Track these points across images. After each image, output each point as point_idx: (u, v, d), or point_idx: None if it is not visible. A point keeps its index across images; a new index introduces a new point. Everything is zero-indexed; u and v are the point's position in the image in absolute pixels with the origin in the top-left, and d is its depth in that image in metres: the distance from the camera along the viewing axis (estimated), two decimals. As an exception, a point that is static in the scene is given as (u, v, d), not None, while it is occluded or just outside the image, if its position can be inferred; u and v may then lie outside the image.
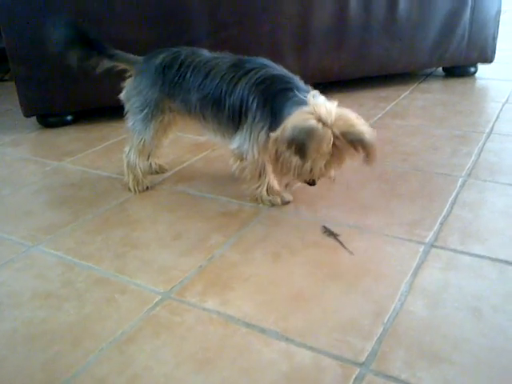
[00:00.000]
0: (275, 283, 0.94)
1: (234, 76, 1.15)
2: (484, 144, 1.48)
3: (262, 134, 1.12)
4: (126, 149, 1.32)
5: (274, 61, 1.89)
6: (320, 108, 1.01)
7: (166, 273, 0.98)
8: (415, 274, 0.93)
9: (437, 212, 1.14)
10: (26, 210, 1.27)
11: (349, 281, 0.93)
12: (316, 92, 1.08)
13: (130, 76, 1.29)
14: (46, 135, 1.82)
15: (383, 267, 0.96)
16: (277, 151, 1.04)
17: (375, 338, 0.79)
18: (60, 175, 1.47)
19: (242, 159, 1.18)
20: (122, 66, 1.31)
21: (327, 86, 2.08)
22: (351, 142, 1.00)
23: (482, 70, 2.19)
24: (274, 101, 1.10)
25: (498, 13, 2.03)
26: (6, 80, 2.65)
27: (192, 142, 1.65)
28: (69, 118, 1.92)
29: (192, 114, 1.24)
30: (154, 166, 1.42)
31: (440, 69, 2.24)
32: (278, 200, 1.22)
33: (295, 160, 1.02)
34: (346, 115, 1.03)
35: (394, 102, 1.91)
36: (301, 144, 0.98)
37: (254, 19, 1.84)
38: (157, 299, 0.91)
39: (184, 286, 0.94)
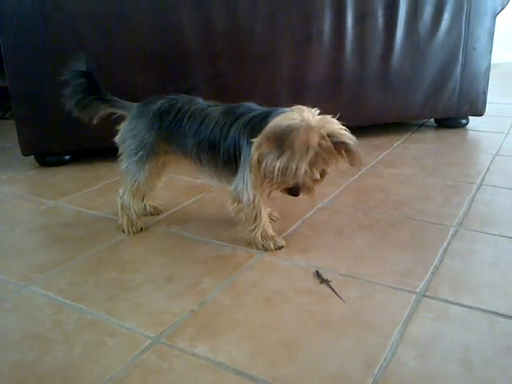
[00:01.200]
0: (266, 330, 0.93)
1: (226, 122, 1.19)
2: (475, 195, 1.51)
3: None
4: (121, 191, 1.34)
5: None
6: (303, 112, 1.04)
7: (157, 316, 0.98)
8: (406, 323, 0.94)
9: (428, 261, 1.15)
10: (19, 249, 1.27)
11: (340, 329, 0.93)
12: (303, 108, 1.08)
13: (124, 120, 1.32)
14: (43, 174, 1.84)
15: (374, 316, 0.96)
16: (259, 157, 1.04)
17: (365, 389, 0.78)
18: (55, 214, 1.48)
19: (239, 201, 1.20)
20: (118, 112, 1.34)
21: (322, 134, 2.13)
22: (335, 143, 1.02)
23: (474, 121, 2.24)
24: (259, 131, 1.09)
25: (488, 68, 2.11)
26: (6, 118, 2.69)
27: (186, 184, 1.67)
28: (66, 157, 1.94)
29: (188, 158, 1.27)
30: (148, 207, 1.44)
31: (432, 120, 2.30)
32: (271, 245, 1.23)
33: (279, 162, 1.01)
34: (329, 119, 1.06)
35: (387, 151, 1.95)
36: (284, 136, 0.99)
37: (251, 68, 1.90)
38: (146, 343, 0.90)
39: (174, 331, 0.93)
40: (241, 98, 1.95)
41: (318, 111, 1.07)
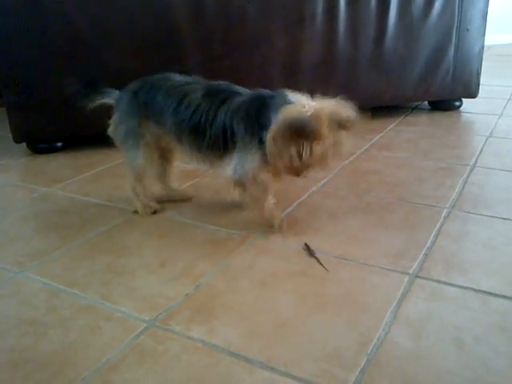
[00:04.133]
0: (261, 312, 0.94)
1: (211, 106, 1.19)
2: (468, 177, 1.51)
3: (258, 153, 1.15)
4: (128, 177, 1.35)
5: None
6: (304, 101, 1.10)
7: (152, 300, 0.98)
8: (399, 304, 0.94)
9: (421, 243, 1.15)
10: (12, 236, 1.27)
11: (334, 310, 0.93)
12: (291, 92, 1.14)
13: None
14: (35, 161, 1.83)
15: (368, 297, 0.97)
16: (277, 148, 1.09)
17: (359, 369, 0.79)
18: (48, 201, 1.47)
19: (242, 184, 1.20)
20: (108, 102, 1.35)
21: (316, 117, 2.13)
22: (340, 121, 1.09)
23: (467, 104, 2.24)
24: (259, 117, 1.14)
25: (481, 49, 2.10)
26: (-3, 105, 2.66)
27: (181, 170, 1.66)
28: (58, 144, 1.93)
29: (168, 136, 1.29)
30: (173, 193, 1.45)
31: (426, 102, 2.30)
32: (278, 222, 1.24)
33: (295, 149, 1.08)
34: (329, 102, 1.11)
35: (381, 134, 1.95)
36: (300, 129, 1.05)
37: (245, 52, 1.88)
38: (142, 327, 0.91)
39: (169, 314, 0.94)
40: (234, 81, 1.94)
41: (316, 98, 1.11)
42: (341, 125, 1.10)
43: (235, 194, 1.23)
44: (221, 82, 1.26)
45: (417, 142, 1.85)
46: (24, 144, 1.90)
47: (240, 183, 1.20)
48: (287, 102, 1.11)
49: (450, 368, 0.79)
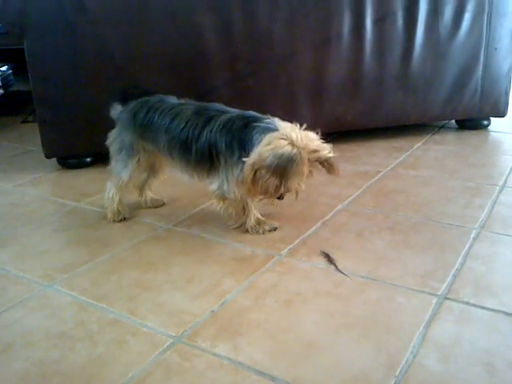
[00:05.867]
0: (286, 331, 0.94)
1: (197, 123, 1.27)
2: (497, 197, 1.49)
3: (238, 171, 1.22)
4: (108, 185, 1.45)
5: (288, 110, 1.97)
6: (290, 133, 1.15)
7: (178, 316, 0.99)
8: (428, 326, 0.93)
9: (449, 264, 1.14)
10: (42, 249, 1.29)
11: (361, 331, 0.92)
12: (276, 119, 1.21)
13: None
14: (65, 176, 1.87)
15: (395, 318, 0.96)
16: (255, 174, 1.15)
17: (387, 391, 0.78)
18: (77, 216, 1.50)
19: (224, 199, 1.28)
20: (113, 116, 1.46)
21: (341, 136, 2.12)
22: (320, 160, 1.18)
23: (495, 122, 2.22)
24: (240, 136, 1.21)
25: (510, 69, 2.08)
26: (29, 122, 2.74)
27: (206, 187, 1.67)
28: (88, 159, 1.96)
29: (162, 153, 1.38)
30: (148, 201, 1.54)
31: (453, 121, 2.27)
32: (266, 227, 1.33)
33: (273, 183, 1.14)
34: (311, 137, 1.19)
35: (408, 153, 1.93)
36: (283, 169, 1.12)
37: (270, 71, 1.90)
38: (168, 343, 0.91)
39: (195, 331, 0.94)
40: (260, 100, 1.97)
41: (299, 126, 1.19)
42: (322, 164, 1.20)
43: (219, 208, 1.31)
44: (213, 103, 1.33)
45: (444, 161, 1.84)
46: (54, 159, 1.95)
47: (222, 198, 1.28)
48: (272, 129, 1.17)
49: (481, 393, 0.77)
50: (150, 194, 1.54)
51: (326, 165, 1.20)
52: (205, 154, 1.26)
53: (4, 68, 3.18)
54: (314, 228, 1.35)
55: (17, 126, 2.73)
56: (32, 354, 0.90)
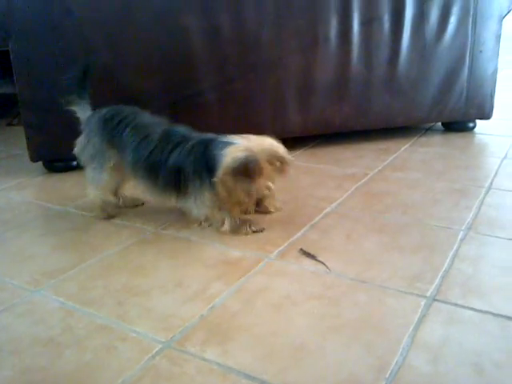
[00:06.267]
0: (276, 334, 0.93)
1: (164, 148, 1.31)
2: (484, 198, 1.50)
3: (209, 194, 1.28)
4: (88, 188, 1.47)
5: (276, 113, 1.97)
6: (244, 141, 1.24)
7: (167, 321, 0.98)
8: (417, 327, 0.93)
9: (438, 265, 1.14)
10: (29, 254, 1.28)
11: (350, 334, 0.93)
12: (232, 135, 1.28)
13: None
14: (51, 180, 1.85)
15: (385, 320, 0.96)
16: (226, 189, 1.23)
17: (377, 394, 0.78)
18: (64, 219, 1.49)
19: (201, 221, 1.36)
20: (78, 114, 1.46)
21: (328, 138, 2.13)
22: (276, 159, 1.25)
23: (481, 125, 2.24)
24: (203, 159, 1.27)
25: (495, 71, 2.10)
26: (14, 125, 2.71)
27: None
28: (74, 163, 1.94)
29: (125, 170, 1.40)
30: (126, 200, 1.54)
31: (439, 123, 2.29)
32: (253, 228, 1.34)
33: (242, 187, 1.23)
34: (266, 139, 1.26)
35: (395, 155, 1.95)
36: (243, 170, 1.20)
37: (258, 74, 1.90)
38: (157, 348, 0.90)
39: (185, 336, 0.94)
40: (248, 103, 1.97)
41: (254, 137, 1.26)
42: (278, 162, 1.26)
43: (201, 227, 1.37)
44: (180, 127, 1.36)
45: (431, 163, 1.85)
46: (40, 163, 1.93)
47: (199, 221, 1.36)
48: (229, 143, 1.24)
49: (470, 394, 0.77)
50: (126, 194, 1.54)
51: (280, 164, 1.27)
52: (171, 180, 1.31)
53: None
54: (302, 230, 1.35)
55: (1, 129, 2.70)
56: (19, 362, 0.88)
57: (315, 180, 1.72)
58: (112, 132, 1.36)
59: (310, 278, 1.12)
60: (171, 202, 1.37)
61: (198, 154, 1.28)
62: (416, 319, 0.96)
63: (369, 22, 1.92)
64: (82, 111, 1.44)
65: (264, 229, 1.35)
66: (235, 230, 1.33)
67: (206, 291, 1.08)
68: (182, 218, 1.45)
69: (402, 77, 2.01)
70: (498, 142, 2.07)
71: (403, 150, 2.00)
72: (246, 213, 1.35)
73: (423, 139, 2.15)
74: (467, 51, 2.03)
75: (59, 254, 1.28)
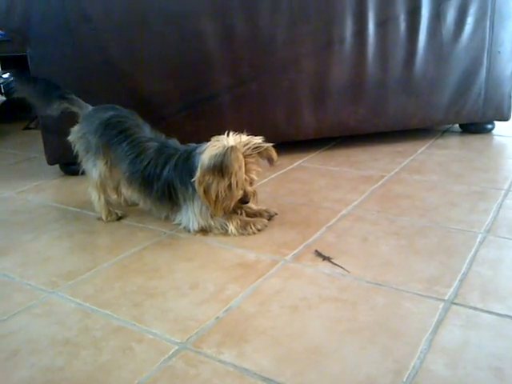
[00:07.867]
0: (292, 337, 0.93)
1: (158, 162, 1.35)
2: (503, 201, 1.48)
3: (196, 202, 1.32)
4: (89, 191, 1.48)
5: (290, 115, 1.96)
6: (223, 139, 1.27)
7: (183, 323, 0.98)
8: (435, 331, 0.92)
9: (456, 269, 1.13)
10: (46, 256, 1.29)
11: (367, 337, 0.92)
12: (214, 138, 1.30)
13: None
14: (67, 182, 1.87)
15: (402, 324, 0.95)
16: (206, 187, 1.24)
17: (394, 398, 0.77)
18: (80, 222, 1.50)
19: (199, 231, 1.36)
20: (73, 109, 1.49)
21: (344, 140, 2.12)
22: (257, 151, 1.26)
23: (499, 126, 2.21)
24: (186, 168, 1.31)
25: (514, 72, 2.07)
26: (31, 128, 2.74)
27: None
28: (91, 166, 1.96)
29: (122, 178, 1.45)
30: (128, 198, 1.56)
31: (457, 125, 2.27)
32: (258, 227, 1.35)
33: (222, 184, 1.24)
34: (243, 136, 1.28)
35: (411, 157, 1.93)
36: (220, 165, 1.22)
37: (273, 76, 1.90)
38: (173, 350, 0.91)
39: (200, 337, 0.94)
40: (262, 105, 1.97)
41: (232, 134, 1.28)
42: (260, 154, 1.28)
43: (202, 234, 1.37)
44: (173, 141, 1.41)
45: (448, 165, 1.83)
46: (57, 166, 1.95)
47: (202, 231, 1.36)
48: (208, 147, 1.27)
49: (490, 399, 0.76)
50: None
51: (265, 154, 1.29)
52: (165, 193, 1.35)
53: (6, 75, 3.19)
54: (318, 233, 1.34)
55: (19, 132, 2.74)
56: (37, 361, 0.89)
57: (331, 182, 1.71)
58: (111, 140, 1.40)
59: (325, 280, 1.11)
60: (165, 214, 1.42)
61: (182, 166, 1.32)
62: (434, 323, 0.94)
63: (384, 22, 1.91)
64: (77, 106, 1.49)
65: (267, 223, 1.38)
66: (241, 232, 1.34)
67: (221, 293, 1.08)
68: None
69: (419, 78, 1.99)
70: (517, 144, 2.04)
71: (420, 153, 1.98)
72: (233, 210, 1.35)
73: (440, 141, 2.12)
74: (485, 52, 2.01)
75: (76, 256, 1.29)
